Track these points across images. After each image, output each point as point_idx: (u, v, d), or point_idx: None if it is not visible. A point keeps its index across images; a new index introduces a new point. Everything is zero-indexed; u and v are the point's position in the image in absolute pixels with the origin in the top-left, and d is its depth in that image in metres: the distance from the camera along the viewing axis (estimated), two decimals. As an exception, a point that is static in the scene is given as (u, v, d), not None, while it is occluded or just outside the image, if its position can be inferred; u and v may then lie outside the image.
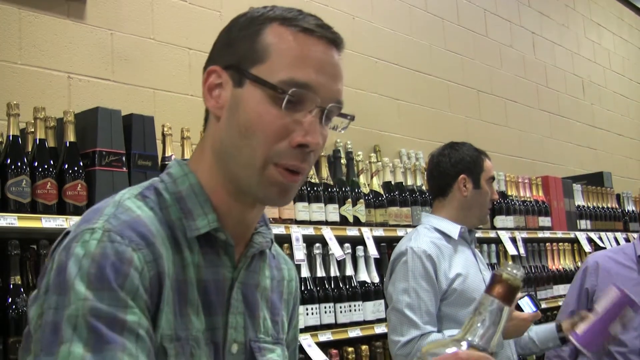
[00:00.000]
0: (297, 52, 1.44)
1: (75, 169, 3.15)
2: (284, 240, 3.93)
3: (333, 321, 4.12)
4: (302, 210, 4.11)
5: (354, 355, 4.18)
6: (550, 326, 3.68)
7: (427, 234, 3.45)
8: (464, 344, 1.25)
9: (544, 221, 6.24)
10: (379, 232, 4.52)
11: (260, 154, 1.43)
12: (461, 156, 3.58)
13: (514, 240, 5.65)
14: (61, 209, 3.09)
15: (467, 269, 3.41)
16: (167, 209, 1.48)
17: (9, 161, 3.04)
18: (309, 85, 1.43)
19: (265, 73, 1.44)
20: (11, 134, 3.11)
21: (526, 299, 3.34)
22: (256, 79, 1.44)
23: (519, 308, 3.30)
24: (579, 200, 6.89)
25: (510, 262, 1.28)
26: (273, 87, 1.42)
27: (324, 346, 3.95)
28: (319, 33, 1.47)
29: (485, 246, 5.43)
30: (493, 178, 3.65)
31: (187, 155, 3.66)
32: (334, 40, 1.49)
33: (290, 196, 1.50)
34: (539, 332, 3.69)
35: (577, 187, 6.93)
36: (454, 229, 3.49)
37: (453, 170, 3.56)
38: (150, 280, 1.36)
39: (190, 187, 1.51)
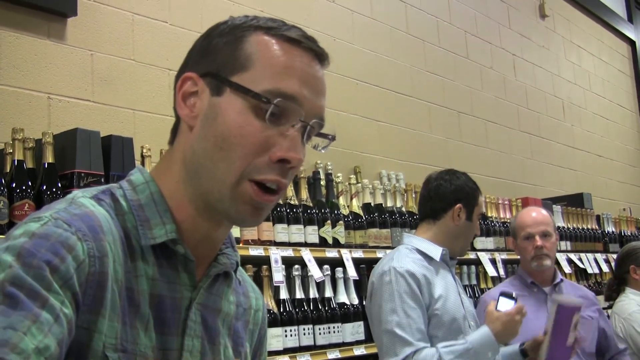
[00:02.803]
0: (283, 61, 1.37)
1: (54, 190, 3.15)
2: (263, 262, 3.93)
3: (312, 343, 4.12)
4: (281, 231, 4.11)
5: (333, 377, 4.18)
6: (514, 348, 3.69)
7: (409, 255, 3.44)
8: None
9: (524, 242, 6.25)
10: (359, 253, 4.52)
11: (237, 168, 1.34)
12: (462, 185, 3.58)
13: (493, 262, 5.67)
14: (39, 230, 3.08)
15: (447, 292, 3.41)
16: (123, 216, 1.37)
17: (-14, 182, 3.04)
18: (294, 97, 1.35)
19: (248, 81, 1.35)
20: (-11, 155, 3.11)
21: (501, 298, 3.36)
22: (238, 87, 1.35)
23: (499, 311, 3.32)
24: (559, 222, 6.93)
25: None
26: (257, 97, 1.34)
27: (302, 368, 3.94)
28: (305, 45, 1.41)
29: (465, 267, 5.45)
30: (483, 214, 3.68)
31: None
32: (320, 55, 1.43)
33: (263, 216, 1.40)
34: (503, 354, 3.70)
35: (557, 208, 6.97)
36: (435, 251, 3.48)
37: (452, 197, 3.55)
38: (87, 277, 1.23)
39: (150, 196, 1.41)
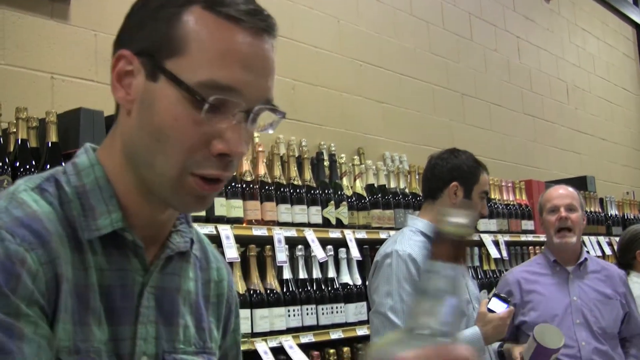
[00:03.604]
0: (221, 45, 1.25)
1: (57, 169, 3.15)
2: (266, 242, 3.94)
3: (315, 323, 4.13)
4: (285, 212, 4.12)
5: (335, 357, 4.19)
6: (493, 346, 3.72)
7: (412, 237, 3.44)
8: (426, 334, 1.02)
9: (527, 225, 6.27)
10: (362, 234, 4.53)
11: (175, 162, 1.27)
12: (458, 164, 3.57)
13: (496, 244, 5.67)
14: (42, 209, 3.09)
15: None
16: (69, 204, 1.31)
17: (-10, 161, 3.05)
18: (233, 88, 1.25)
19: (182, 69, 1.25)
20: (-7, 133, 3.12)
21: (494, 299, 3.36)
22: (172, 77, 1.26)
23: (490, 311, 3.33)
24: (562, 204, 6.90)
25: (449, 210, 1.02)
26: (191, 91, 1.24)
27: (305, 348, 3.96)
28: (247, 22, 1.27)
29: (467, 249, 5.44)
30: (486, 193, 3.64)
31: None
32: (265, 29, 1.30)
33: (208, 203, 1.35)
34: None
35: (560, 191, 6.95)
36: None
37: (447, 176, 3.54)
38: (46, 284, 1.20)
39: (95, 181, 1.34)
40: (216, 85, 1.24)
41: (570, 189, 4.31)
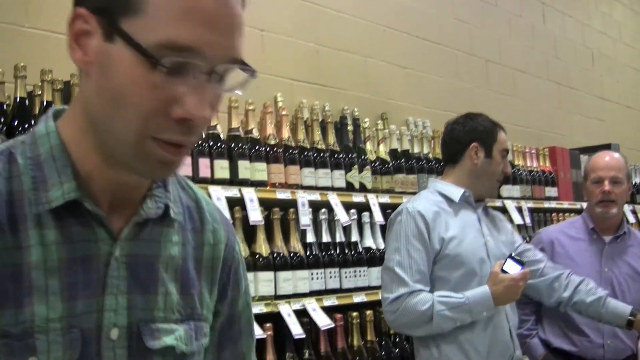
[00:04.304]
0: (180, 2, 1.17)
1: (82, 131, 3.16)
2: (290, 205, 3.95)
3: (338, 286, 4.16)
4: (308, 175, 4.12)
5: (358, 320, 4.21)
6: (625, 308, 3.75)
7: (429, 197, 3.51)
8: None
9: (551, 191, 6.24)
10: (385, 198, 4.53)
11: (135, 128, 1.20)
12: (475, 125, 3.60)
13: (520, 210, 5.66)
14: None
15: (465, 233, 3.44)
16: (18, 178, 1.26)
17: (16, 123, 3.07)
18: (193, 48, 1.17)
19: (139, 29, 1.17)
20: (18, 96, 3.13)
21: (509, 261, 3.35)
22: (127, 38, 1.18)
23: (505, 272, 3.32)
24: (587, 171, 6.88)
25: None
26: (146, 54, 1.16)
27: (328, 311, 3.98)
28: None
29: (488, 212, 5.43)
30: (507, 151, 3.65)
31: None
32: None
33: (175, 168, 1.28)
34: (608, 310, 3.76)
35: (584, 158, 6.92)
36: (456, 192, 3.52)
37: (465, 138, 3.57)
38: None
39: (50, 150, 1.28)
40: (174, 45, 1.16)
41: (617, 157, 4.25)
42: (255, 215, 3.67)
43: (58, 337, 1.23)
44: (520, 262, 3.35)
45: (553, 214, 6.17)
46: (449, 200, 3.51)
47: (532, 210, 5.88)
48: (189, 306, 1.41)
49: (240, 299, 1.55)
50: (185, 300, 1.41)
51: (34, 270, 1.22)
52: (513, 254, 3.42)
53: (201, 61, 1.19)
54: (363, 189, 4.45)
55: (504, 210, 5.55)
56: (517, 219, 5.55)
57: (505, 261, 3.35)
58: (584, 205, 6.38)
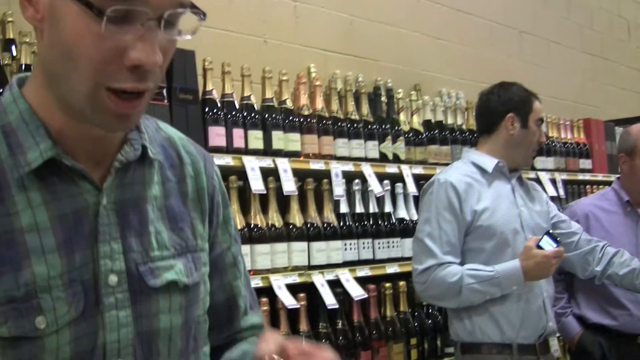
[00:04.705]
0: None
1: (118, 101, 3.17)
2: (323, 176, 3.95)
3: (371, 256, 4.16)
4: (342, 146, 4.12)
5: (391, 291, 4.22)
6: None
7: (462, 168, 3.50)
8: None
9: (585, 164, 6.19)
10: (419, 169, 4.52)
11: (87, 80, 1.21)
12: (510, 95, 3.57)
13: (553, 182, 5.63)
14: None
15: (498, 204, 3.42)
16: None
17: None
18: None
19: None
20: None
21: (546, 237, 3.32)
22: None
23: (540, 248, 3.30)
24: (621, 143, 6.82)
25: None
26: (89, 6, 1.17)
27: (361, 281, 3.98)
28: None
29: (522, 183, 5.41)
30: (542, 120, 3.63)
31: (229, 91, 3.68)
32: None
33: (132, 122, 1.30)
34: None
35: (619, 131, 6.84)
36: (489, 162, 3.50)
37: (501, 109, 3.55)
38: None
39: (20, 116, 1.31)
40: None
41: None
42: (289, 185, 3.67)
43: (61, 293, 1.26)
44: (556, 240, 3.33)
45: (587, 187, 6.12)
46: (482, 170, 3.49)
47: (565, 183, 5.84)
48: (182, 240, 1.44)
49: (221, 228, 1.57)
50: (178, 235, 1.43)
51: (27, 234, 1.25)
52: (550, 231, 3.40)
53: (146, 8, 1.19)
54: (396, 160, 4.44)
55: (537, 181, 5.52)
56: (551, 191, 5.51)
57: (542, 237, 3.33)
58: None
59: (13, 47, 3.20)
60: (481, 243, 3.37)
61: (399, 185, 4.44)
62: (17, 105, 1.32)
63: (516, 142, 3.54)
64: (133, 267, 1.35)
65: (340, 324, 3.92)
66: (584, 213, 4.14)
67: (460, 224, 3.35)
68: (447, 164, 4.67)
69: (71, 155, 1.31)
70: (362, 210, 4.21)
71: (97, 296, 1.30)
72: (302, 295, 3.68)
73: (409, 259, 4.31)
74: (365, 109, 4.37)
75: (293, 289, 3.64)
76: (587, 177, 6.13)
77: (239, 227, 3.52)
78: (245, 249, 3.51)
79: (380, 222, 4.27)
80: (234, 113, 3.61)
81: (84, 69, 1.21)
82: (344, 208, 4.10)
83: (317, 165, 3.88)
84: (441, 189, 3.38)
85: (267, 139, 3.72)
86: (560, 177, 5.73)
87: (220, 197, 1.58)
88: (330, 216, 3.98)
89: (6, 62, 3.10)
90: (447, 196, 3.36)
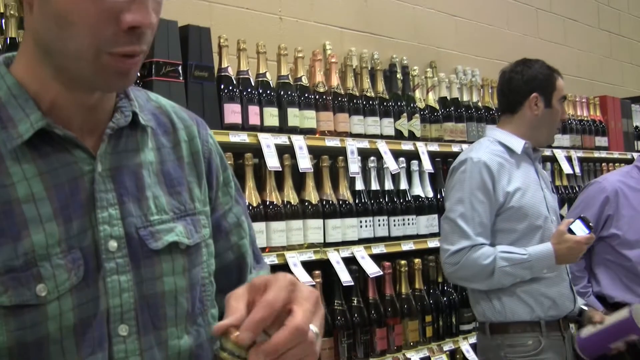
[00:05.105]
0: None
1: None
2: (339, 153, 3.95)
3: (386, 234, 4.16)
4: (357, 123, 4.11)
5: (406, 268, 4.22)
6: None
7: (490, 147, 3.44)
8: None
9: (601, 141, 6.17)
10: (434, 147, 4.51)
11: (87, 45, 1.24)
12: (534, 74, 3.51)
13: (569, 159, 5.61)
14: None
15: (527, 185, 3.39)
16: None
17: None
18: None
19: None
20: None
21: (578, 222, 3.30)
22: None
23: (571, 232, 3.29)
24: (638, 121, 6.79)
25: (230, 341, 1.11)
26: None
27: (377, 258, 3.99)
28: None
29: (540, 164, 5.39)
30: (564, 97, 3.60)
31: (244, 68, 3.67)
32: None
33: (131, 80, 1.33)
34: None
35: (636, 108, 6.82)
36: (517, 144, 3.45)
37: (525, 88, 3.49)
38: None
39: (9, 91, 1.32)
40: None
41: None
42: (305, 162, 3.67)
43: (60, 261, 1.27)
44: (588, 225, 3.31)
45: (603, 164, 6.09)
46: (510, 151, 3.44)
47: (581, 160, 5.82)
48: (181, 204, 1.46)
49: (221, 191, 1.59)
50: (176, 199, 1.45)
51: (24, 204, 1.27)
52: (583, 215, 3.38)
53: None
54: (412, 137, 4.43)
55: (553, 159, 5.51)
56: (567, 169, 5.50)
57: (574, 221, 3.31)
58: (635, 155, 6.32)
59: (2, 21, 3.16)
60: (513, 224, 3.33)
61: (415, 162, 4.43)
62: (5, 81, 1.33)
63: (540, 122, 3.50)
64: (133, 231, 1.36)
65: (355, 301, 3.93)
66: (614, 189, 4.04)
67: (492, 204, 3.30)
68: (462, 142, 4.69)
69: (63, 125, 1.32)
70: (378, 188, 4.21)
71: (97, 262, 1.32)
72: (317, 272, 3.69)
73: (424, 236, 4.33)
74: (380, 86, 4.36)
75: (308, 266, 3.64)
76: (603, 154, 6.11)
77: (254, 204, 3.53)
78: (261, 226, 3.52)
79: (395, 200, 4.26)
80: (249, 90, 3.61)
81: (82, 36, 1.23)
82: (359, 185, 4.10)
83: (332, 142, 3.87)
84: (475, 169, 3.32)
85: (283, 116, 3.72)
86: (576, 154, 5.71)
87: (219, 159, 1.60)
88: (345, 193, 3.98)
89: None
90: (481, 176, 3.30)
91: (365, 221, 4.03)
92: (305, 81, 3.91)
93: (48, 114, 1.31)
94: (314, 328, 1.19)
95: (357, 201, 4.03)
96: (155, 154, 1.46)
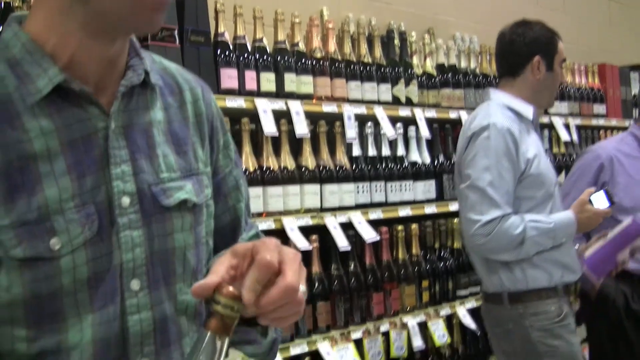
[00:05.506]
0: None
1: (129, 42, 3.17)
2: (336, 119, 3.95)
3: (384, 199, 4.17)
4: (355, 89, 4.10)
5: (403, 234, 4.24)
6: None
7: (504, 112, 3.36)
8: None
9: (599, 109, 6.16)
10: (432, 113, 4.51)
11: None
12: (536, 36, 3.47)
13: (567, 127, 5.61)
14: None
15: (539, 151, 3.36)
16: (2, 81, 1.31)
17: None
18: None
19: None
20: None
21: (601, 193, 3.32)
22: None
23: (591, 202, 3.29)
24: (636, 89, 6.78)
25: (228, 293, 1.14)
26: None
27: (374, 224, 4.00)
28: None
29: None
30: (565, 60, 3.57)
31: (241, 33, 3.66)
32: None
33: (163, 16, 1.38)
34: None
35: (634, 76, 6.80)
36: (526, 109, 3.40)
37: (527, 51, 3.44)
38: None
39: (23, 47, 1.33)
40: None
41: None
42: (302, 128, 3.67)
43: (74, 215, 1.30)
44: (610, 199, 3.32)
45: (601, 132, 6.10)
46: (519, 116, 3.38)
47: (579, 128, 5.82)
48: (187, 163, 1.49)
49: (222, 153, 1.63)
50: (183, 159, 1.49)
51: (39, 159, 1.29)
52: (607, 188, 3.38)
53: None
54: (409, 103, 4.43)
55: (551, 126, 5.51)
56: (564, 136, 5.50)
57: (598, 192, 3.32)
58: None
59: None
60: (532, 191, 3.28)
61: (412, 128, 4.43)
62: (19, 38, 1.34)
63: (542, 85, 3.46)
64: (145, 187, 1.40)
65: (352, 266, 3.95)
66: (609, 156, 4.04)
67: (516, 172, 3.24)
68: (460, 108, 4.68)
69: (79, 81, 1.34)
70: (375, 153, 4.21)
71: (111, 218, 1.35)
72: (314, 237, 3.70)
73: (421, 202, 4.33)
74: (378, 52, 4.35)
75: (306, 230, 3.66)
76: (601, 122, 6.11)
77: (251, 169, 3.53)
78: (258, 191, 3.53)
79: (392, 165, 4.27)
80: (246, 55, 3.61)
81: None
82: (356, 151, 4.10)
83: (329, 107, 3.87)
84: (499, 135, 3.23)
85: (280, 82, 3.71)
86: (574, 122, 5.71)
87: (219, 122, 1.63)
88: (342, 159, 3.98)
89: (16, 4, 3.08)
90: (505, 142, 3.22)
91: (363, 187, 4.03)
92: (302, 47, 3.90)
93: (65, 69, 1.33)
94: (302, 288, 1.23)
95: (354, 167, 4.03)
96: (163, 114, 1.49)
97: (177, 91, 1.54)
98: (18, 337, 1.28)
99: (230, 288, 1.16)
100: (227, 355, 1.15)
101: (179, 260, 1.43)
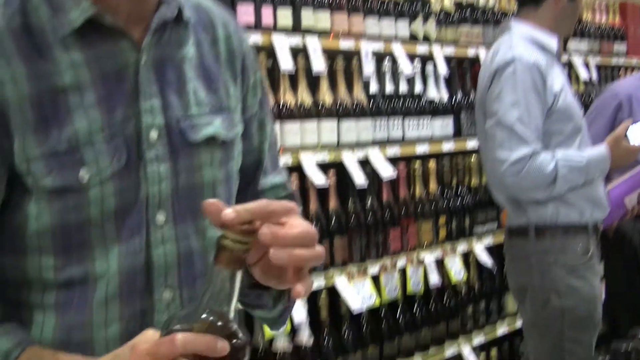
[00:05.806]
0: None
1: None
2: (353, 55, 3.93)
3: (401, 136, 4.16)
4: (372, 25, 4.07)
5: (420, 171, 4.25)
6: None
7: (528, 45, 3.28)
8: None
9: (619, 47, 6.10)
10: (450, 50, 4.48)
11: None
12: None
13: (586, 65, 5.56)
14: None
15: (564, 84, 3.30)
16: (36, 11, 1.32)
17: None
18: None
19: None
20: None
21: (637, 126, 3.27)
22: None
23: (627, 137, 3.26)
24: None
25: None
26: None
27: (391, 160, 4.00)
28: None
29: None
30: None
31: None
32: None
33: None
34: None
35: (656, 14, 6.72)
36: (551, 41, 3.33)
37: None
38: None
39: None
40: None
41: None
42: (318, 64, 3.66)
43: (103, 147, 1.32)
44: None
45: (621, 71, 6.04)
46: (542, 48, 3.30)
47: (599, 67, 5.77)
48: (218, 100, 1.48)
49: (251, 92, 1.59)
50: (213, 95, 1.48)
51: (70, 91, 1.31)
52: None
53: None
54: (427, 40, 4.40)
55: (570, 65, 5.47)
56: (584, 75, 5.46)
57: (633, 127, 3.28)
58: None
59: None
60: (560, 126, 3.22)
61: (430, 65, 4.41)
62: None
63: (564, 14, 3.38)
64: (174, 122, 1.40)
65: (369, 202, 3.96)
66: (627, 94, 4.00)
67: (543, 107, 3.18)
68: (479, 45, 4.65)
69: (111, 15, 1.34)
70: (392, 90, 4.19)
71: (139, 151, 1.36)
72: (331, 171, 3.70)
73: (439, 138, 4.33)
74: (395, -13, 4.31)
75: (323, 166, 3.66)
76: (621, 61, 6.05)
77: (268, 105, 3.52)
78: (275, 126, 3.52)
79: (410, 102, 4.25)
80: (262, -10, 3.58)
81: None
82: (373, 87, 4.08)
83: (346, 44, 3.85)
84: (525, 70, 3.16)
85: (296, 17, 3.69)
86: (593, 60, 5.66)
87: (250, 61, 1.61)
88: (360, 95, 3.97)
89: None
90: (532, 77, 3.16)
91: (380, 123, 4.02)
92: (318, -18, 3.87)
93: (97, 2, 1.33)
94: (320, 248, 1.17)
95: (371, 103, 4.02)
96: (195, 49, 1.48)
97: (210, 27, 1.53)
98: (46, 266, 1.31)
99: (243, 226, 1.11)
100: (239, 291, 1.11)
101: (208, 196, 1.41)
